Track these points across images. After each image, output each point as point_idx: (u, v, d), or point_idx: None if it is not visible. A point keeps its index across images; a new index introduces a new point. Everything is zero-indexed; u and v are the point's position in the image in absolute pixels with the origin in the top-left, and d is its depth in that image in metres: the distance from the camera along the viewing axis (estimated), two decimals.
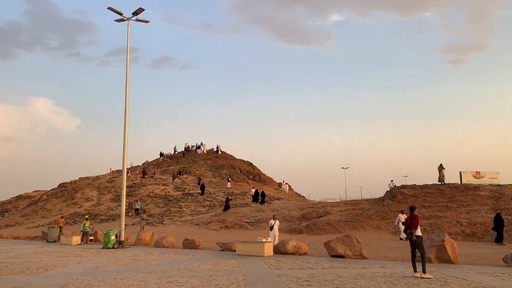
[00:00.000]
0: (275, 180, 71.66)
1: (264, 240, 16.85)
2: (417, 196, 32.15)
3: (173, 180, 59.07)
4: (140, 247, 22.60)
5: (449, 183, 34.00)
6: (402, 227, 17.91)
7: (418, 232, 10.88)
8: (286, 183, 62.22)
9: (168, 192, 51.96)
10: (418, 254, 11.13)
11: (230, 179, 57.47)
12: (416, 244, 10.83)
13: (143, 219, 32.69)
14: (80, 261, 15.54)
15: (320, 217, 32.27)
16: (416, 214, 11.13)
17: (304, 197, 67.05)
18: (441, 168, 33.40)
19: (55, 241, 27.39)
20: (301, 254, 17.36)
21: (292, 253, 17.23)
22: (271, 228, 20.40)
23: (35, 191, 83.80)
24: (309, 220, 31.80)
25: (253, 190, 47.27)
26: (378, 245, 21.68)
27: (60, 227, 39.00)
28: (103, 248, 21.66)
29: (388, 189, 38.56)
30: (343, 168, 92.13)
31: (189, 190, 51.55)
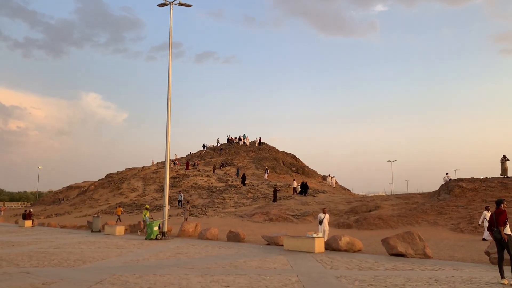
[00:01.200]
0: (318, 173, 69.81)
1: (314, 235, 15.46)
2: (477, 190, 29.49)
3: (213, 171, 58.69)
4: (183, 238, 21.86)
5: None
6: (487, 225, 15.67)
7: (508, 231, 9.05)
8: (333, 177, 60.03)
9: (211, 183, 51.53)
10: (507, 257, 9.31)
11: (268, 170, 56.23)
12: (505, 245, 9.01)
13: (187, 209, 32.21)
14: (121, 253, 14.83)
15: (370, 211, 30.37)
16: (504, 208, 9.24)
17: (350, 190, 64.79)
18: (504, 160, 30.44)
19: (99, 231, 27.32)
20: (354, 251, 15.84)
21: (345, 250, 15.74)
22: (321, 222, 18.99)
23: (85, 181, 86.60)
24: (358, 214, 29.99)
25: (295, 182, 45.77)
26: (438, 243, 19.71)
27: (118, 216, 39.62)
28: (146, 239, 21.09)
29: (443, 183, 35.98)
30: (389, 161, 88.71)
31: (232, 182, 50.86)
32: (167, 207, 21.87)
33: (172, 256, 13.97)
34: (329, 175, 60.93)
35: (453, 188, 30.30)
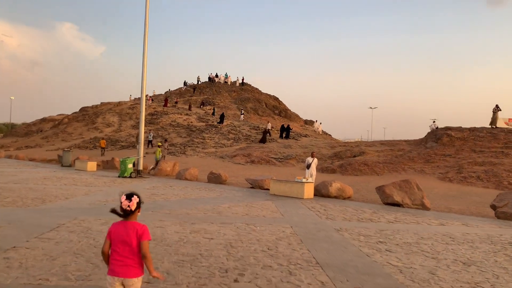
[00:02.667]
0: (301, 117, 68.55)
1: (304, 180, 14.15)
2: (466, 140, 28.71)
3: (189, 109, 56.61)
4: (160, 177, 20.40)
5: (502, 128, 30.31)
6: None
7: None
8: (320, 123, 58.52)
9: (191, 122, 49.67)
10: None
11: (243, 111, 54.30)
12: None
13: (165, 148, 30.54)
14: (89, 192, 13.24)
15: (354, 156, 29.43)
16: None
17: (331, 135, 64.07)
18: (496, 109, 29.52)
19: (70, 166, 25.57)
20: (344, 198, 14.71)
21: (335, 197, 14.58)
22: (308, 166, 17.74)
23: (60, 114, 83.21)
24: (343, 160, 29.02)
25: (269, 125, 44.21)
26: (428, 192, 18.77)
27: (102, 148, 37.88)
28: (119, 177, 19.53)
29: (430, 130, 35.18)
30: (371, 108, 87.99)
31: (212, 122, 49.10)
32: (142, 143, 20.13)
33: (146, 198, 12.48)
34: (316, 121, 59.48)
35: (441, 136, 29.42)
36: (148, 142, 39.25)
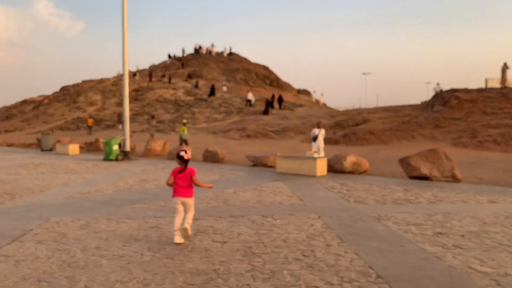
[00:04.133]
0: (293, 87, 66.48)
1: (315, 154, 12.43)
2: (476, 101, 27.13)
3: (169, 82, 54.38)
4: (150, 159, 18.55)
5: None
6: None
7: None
8: (322, 94, 56.21)
9: (179, 96, 47.39)
10: None
11: (225, 82, 51.89)
12: None
13: (153, 126, 28.55)
14: (69, 180, 11.37)
15: (357, 125, 27.79)
16: None
17: (325, 104, 62.25)
18: (505, 68, 27.90)
19: (51, 150, 23.51)
20: (360, 173, 13.10)
21: (350, 172, 12.94)
22: (315, 139, 16.07)
23: (40, 95, 79.80)
24: (345, 129, 27.38)
25: (250, 94, 42.20)
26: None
27: (89, 127, 35.79)
28: (104, 160, 17.62)
29: (434, 93, 33.58)
30: (364, 73, 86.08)
31: (201, 95, 46.89)
32: (127, 122, 18.13)
33: (136, 184, 10.68)
34: (314, 92, 57.25)
35: (449, 99, 27.81)
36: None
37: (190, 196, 5.31)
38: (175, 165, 15.97)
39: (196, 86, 52.02)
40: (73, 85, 60.49)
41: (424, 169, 11.57)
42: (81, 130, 39.65)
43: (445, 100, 27.97)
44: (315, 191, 9.28)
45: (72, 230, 6.06)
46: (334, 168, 13.04)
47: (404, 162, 12.00)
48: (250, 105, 40.98)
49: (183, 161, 5.38)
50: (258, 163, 15.04)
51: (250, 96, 42.16)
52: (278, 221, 6.48)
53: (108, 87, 54.84)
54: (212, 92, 46.01)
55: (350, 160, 12.97)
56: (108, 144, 17.53)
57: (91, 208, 7.54)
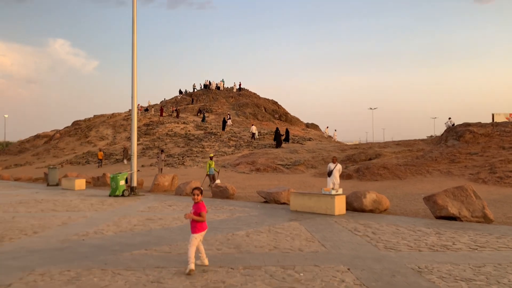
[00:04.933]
0: (302, 120, 66.07)
1: (333, 191, 11.55)
2: (491, 136, 26.21)
3: (177, 116, 54.50)
4: (157, 194, 17.78)
5: None
6: None
7: None
8: (335, 130, 54.98)
9: (189, 130, 47.08)
10: None
11: (230, 116, 51.27)
12: None
13: (162, 159, 27.89)
14: (69, 219, 10.59)
15: (370, 159, 26.88)
16: None
17: (331, 137, 61.52)
18: None
19: (57, 185, 22.89)
20: (381, 211, 12.15)
21: (370, 210, 12.00)
22: (330, 173, 15.23)
23: (53, 130, 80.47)
24: (357, 163, 26.46)
25: (253, 128, 41.57)
26: None
27: (100, 160, 35.42)
28: (109, 196, 16.88)
29: (446, 128, 32.75)
30: (371, 108, 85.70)
31: (211, 129, 46.52)
32: (135, 156, 17.50)
33: (140, 224, 9.85)
34: (327, 127, 55.92)
35: (463, 133, 26.92)
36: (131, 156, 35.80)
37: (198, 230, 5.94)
38: (182, 201, 15.14)
39: (203, 120, 51.99)
40: (85, 120, 60.72)
41: (452, 208, 10.61)
42: (90, 164, 39.20)
43: (459, 134, 27.08)
44: (337, 234, 8.37)
45: (56, 283, 5.21)
46: (353, 206, 12.12)
47: (429, 200, 11.06)
48: (254, 138, 40.60)
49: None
50: (270, 200, 14.17)
51: (254, 129, 41.77)
52: (302, 274, 5.58)
53: (119, 122, 54.88)
54: (224, 126, 45.76)
55: (370, 197, 12.07)
56: (114, 179, 16.84)
57: (86, 254, 6.71)
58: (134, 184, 17.28)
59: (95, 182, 22.25)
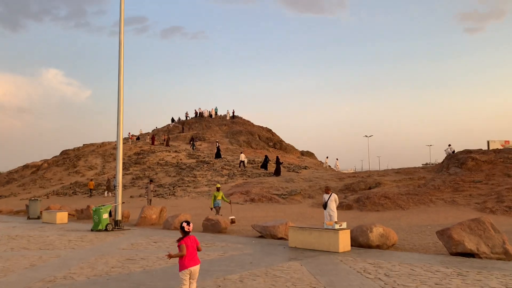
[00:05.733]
0: (296, 148, 65.21)
1: (337, 226, 10.42)
2: (495, 163, 25.38)
3: (166, 144, 53.38)
4: (144, 228, 16.49)
5: None
6: None
7: None
8: (337, 159, 52.88)
9: (181, 159, 45.90)
10: None
11: (218, 143, 50.37)
12: None
13: (151, 190, 26.60)
14: (39, 259, 9.33)
15: (370, 188, 25.83)
16: None
17: (330, 166, 60.55)
18: None
19: (38, 218, 21.48)
20: (388, 247, 11.02)
21: (377, 246, 10.87)
22: (325, 205, 13.87)
23: (43, 160, 78.84)
24: (357, 193, 25.38)
25: (243, 156, 40.75)
26: None
27: (90, 190, 34.13)
28: (92, 230, 15.58)
29: (446, 155, 31.94)
30: (366, 136, 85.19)
31: (204, 158, 45.40)
32: (120, 187, 16.30)
33: (118, 266, 8.62)
34: (327, 157, 53.15)
35: (465, 160, 26.08)
36: (114, 188, 33.74)
37: (199, 261, 5.59)
38: (170, 236, 13.87)
39: (193, 148, 51.10)
40: (74, 149, 59.38)
41: (470, 244, 9.51)
42: (78, 195, 37.69)
43: (461, 161, 26.23)
44: (346, 278, 7.21)
45: None
46: (358, 242, 10.98)
47: (444, 234, 9.97)
48: (244, 166, 39.66)
49: (184, 232, 5.48)
50: (266, 234, 12.98)
51: (243, 157, 40.81)
52: None
53: (109, 151, 53.60)
54: (218, 153, 44.75)
55: (376, 231, 10.95)
56: (97, 212, 15.58)
57: None
58: (119, 217, 16.00)
59: (79, 215, 20.89)
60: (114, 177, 34.96)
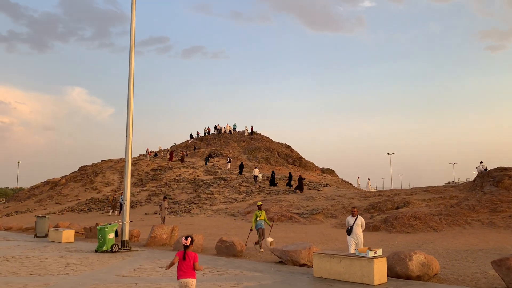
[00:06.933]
0: (316, 165, 63.38)
1: (371, 253, 8.84)
2: None
3: (182, 160, 52.49)
4: (153, 249, 15.13)
5: None
6: None
7: None
8: (369, 179, 49.72)
9: (198, 176, 44.75)
10: None
11: (230, 159, 49.26)
12: None
13: (165, 207, 25.22)
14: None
15: (397, 208, 23.94)
16: None
17: (352, 184, 58.41)
18: None
19: (46, 235, 20.38)
20: (430, 278, 9.36)
21: (418, 276, 9.22)
22: (350, 230, 11.22)
23: (63, 176, 79.02)
24: (383, 213, 23.55)
25: (256, 170, 39.46)
26: None
27: (111, 205, 33.04)
28: (96, 251, 14.31)
29: (478, 172, 29.79)
30: (388, 153, 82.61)
31: (221, 174, 44.12)
32: (128, 204, 15.02)
33: None
34: (358, 177, 49.99)
35: (501, 178, 23.99)
36: (120, 206, 31.43)
37: (193, 277, 5.75)
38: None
39: (206, 163, 50.32)
40: (92, 165, 59.02)
41: None
42: (92, 212, 36.75)
43: (496, 180, 24.15)
44: None
45: None
46: (395, 271, 9.34)
47: (502, 265, 8.27)
48: (256, 181, 38.43)
49: (183, 246, 5.77)
50: (287, 260, 11.44)
51: (256, 172, 39.50)
52: None
53: None
54: (241, 170, 43.67)
55: (417, 259, 9.30)
56: (102, 231, 14.32)
57: None
58: (126, 237, 14.68)
59: (88, 233, 19.72)
60: (122, 195, 33.64)
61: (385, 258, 8.96)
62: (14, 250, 14.79)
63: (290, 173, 39.12)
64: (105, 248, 14.13)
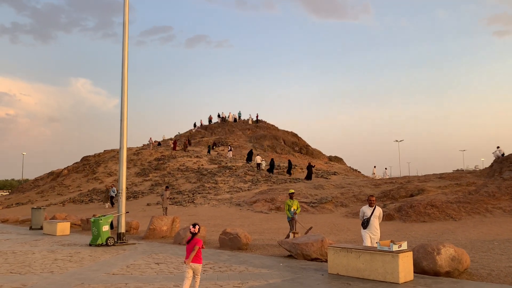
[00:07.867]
0: (324, 153, 62.15)
1: (395, 246, 7.65)
2: None
3: (184, 149, 51.49)
4: (152, 242, 14.07)
5: None
6: None
7: None
8: (386, 169, 47.47)
9: (202, 165, 43.68)
10: None
11: (231, 147, 48.45)
12: None
13: (167, 197, 24.09)
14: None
15: (412, 196, 22.73)
16: None
17: (360, 172, 57.14)
18: None
19: (41, 228, 19.41)
20: (460, 273, 8.19)
21: (447, 272, 8.06)
22: (367, 222, 9.23)
23: (66, 167, 78.42)
24: (397, 201, 22.36)
25: (258, 158, 38.54)
26: None
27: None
28: (90, 244, 13.27)
29: (494, 158, 28.48)
30: (396, 141, 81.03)
31: (226, 163, 43.04)
32: (124, 194, 13.91)
33: None
34: (374, 167, 47.91)
35: None
36: (111, 198, 30.80)
37: (199, 262, 6.17)
38: (179, 254, 11.39)
39: (209, 152, 49.44)
40: (94, 155, 58.17)
41: None
42: (94, 203, 35.85)
43: None
44: None
45: None
46: (421, 267, 8.18)
47: None
48: (259, 169, 37.45)
49: (191, 233, 6.20)
50: (297, 253, 10.30)
51: (259, 159, 38.49)
52: None
53: (129, 157, 51.91)
54: (250, 157, 42.73)
55: (446, 253, 8.13)
56: (96, 223, 13.25)
57: None
58: (122, 229, 13.60)
59: (84, 225, 18.71)
60: (112, 187, 32.05)
61: (411, 252, 7.78)
62: (2, 244, 13.78)
63: (289, 161, 38.01)
64: (99, 241, 13.08)
